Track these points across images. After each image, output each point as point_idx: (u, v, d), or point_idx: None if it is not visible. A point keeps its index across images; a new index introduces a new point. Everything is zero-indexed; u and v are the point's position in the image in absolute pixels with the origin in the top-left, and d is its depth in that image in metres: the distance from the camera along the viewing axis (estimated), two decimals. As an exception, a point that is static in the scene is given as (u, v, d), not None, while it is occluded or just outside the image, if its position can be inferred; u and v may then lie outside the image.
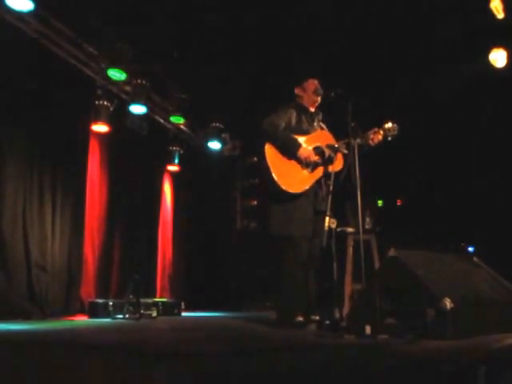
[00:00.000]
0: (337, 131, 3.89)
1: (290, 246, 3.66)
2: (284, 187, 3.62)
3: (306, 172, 3.74)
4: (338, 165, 3.63)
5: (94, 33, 5.17)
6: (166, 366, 1.89)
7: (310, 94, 3.94)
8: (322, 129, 4.01)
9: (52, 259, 4.91)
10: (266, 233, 3.84)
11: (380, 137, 3.76)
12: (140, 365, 1.95)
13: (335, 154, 3.65)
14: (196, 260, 7.38)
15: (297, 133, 3.81)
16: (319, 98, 3.94)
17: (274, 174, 3.63)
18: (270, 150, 3.70)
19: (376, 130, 3.77)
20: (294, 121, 3.87)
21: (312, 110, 3.98)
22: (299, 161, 3.72)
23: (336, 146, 3.72)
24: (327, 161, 3.76)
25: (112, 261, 5.87)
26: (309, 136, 3.85)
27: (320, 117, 4.04)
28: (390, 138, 3.80)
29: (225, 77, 6.14)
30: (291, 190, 3.65)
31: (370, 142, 3.73)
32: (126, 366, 1.93)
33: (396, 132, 3.79)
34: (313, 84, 3.95)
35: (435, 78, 6.08)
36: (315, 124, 3.99)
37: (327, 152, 3.75)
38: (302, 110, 3.94)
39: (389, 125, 3.78)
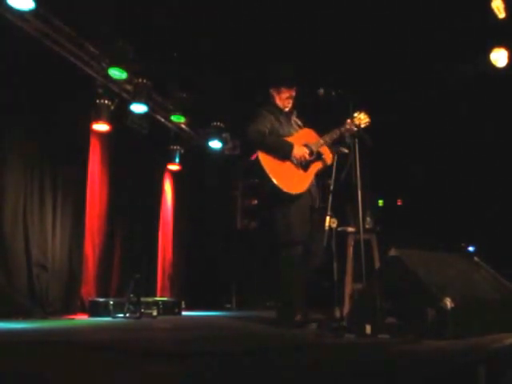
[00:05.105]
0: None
1: (290, 247, 3.67)
2: (285, 190, 3.62)
3: (301, 171, 3.76)
4: (328, 158, 3.79)
5: (95, 32, 5.16)
6: (167, 366, 1.89)
7: (283, 98, 3.96)
8: (300, 127, 4.03)
9: (52, 258, 4.90)
10: (267, 235, 3.85)
11: (353, 127, 3.78)
12: (140, 364, 1.95)
13: (321, 149, 3.78)
14: (196, 259, 7.38)
15: (281, 135, 3.83)
16: (290, 104, 3.97)
17: (273, 179, 3.62)
18: (263, 156, 3.69)
19: (348, 121, 3.78)
20: (275, 124, 3.87)
21: (286, 109, 4.00)
22: (293, 161, 3.73)
23: (321, 141, 3.80)
24: (317, 157, 3.80)
25: (112, 260, 5.87)
26: (293, 136, 3.86)
27: (294, 115, 4.06)
28: (362, 126, 3.81)
29: (225, 76, 6.14)
30: (293, 192, 3.65)
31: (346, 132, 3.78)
32: (126, 366, 1.93)
33: (367, 119, 3.84)
34: (288, 92, 3.96)
35: (436, 78, 6.08)
36: (292, 123, 4.01)
37: (314, 149, 3.79)
38: (278, 111, 3.96)
39: (358, 114, 3.82)
